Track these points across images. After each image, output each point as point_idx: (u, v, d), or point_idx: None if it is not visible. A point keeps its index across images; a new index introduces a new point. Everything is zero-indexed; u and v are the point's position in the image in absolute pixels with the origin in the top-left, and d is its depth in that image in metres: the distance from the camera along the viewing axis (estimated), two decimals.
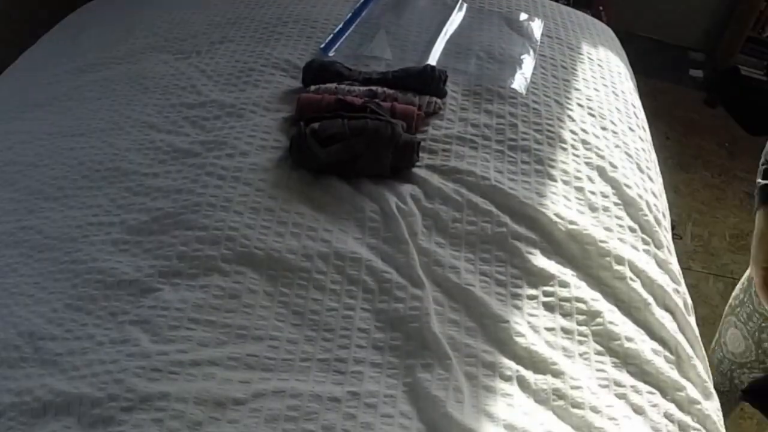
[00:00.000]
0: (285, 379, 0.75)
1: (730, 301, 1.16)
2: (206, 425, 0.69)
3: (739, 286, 1.13)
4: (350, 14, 1.40)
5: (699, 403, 0.80)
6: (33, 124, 1.15)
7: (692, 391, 0.81)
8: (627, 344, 0.83)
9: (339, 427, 0.70)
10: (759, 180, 0.96)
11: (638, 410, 0.77)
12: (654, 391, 0.79)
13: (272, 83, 1.19)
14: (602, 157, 1.12)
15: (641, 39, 2.82)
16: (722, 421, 0.82)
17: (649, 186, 1.11)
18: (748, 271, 1.08)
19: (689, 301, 0.98)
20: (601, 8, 2.33)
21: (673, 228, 1.12)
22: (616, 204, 1.04)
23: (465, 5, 1.48)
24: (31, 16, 1.72)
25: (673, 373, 0.82)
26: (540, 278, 0.90)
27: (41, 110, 1.19)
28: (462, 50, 1.33)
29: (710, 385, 0.85)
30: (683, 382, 0.82)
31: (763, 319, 1.04)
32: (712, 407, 0.82)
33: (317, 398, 0.73)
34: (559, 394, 0.77)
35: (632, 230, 1.00)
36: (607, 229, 0.98)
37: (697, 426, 0.78)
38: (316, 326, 0.82)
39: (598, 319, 0.86)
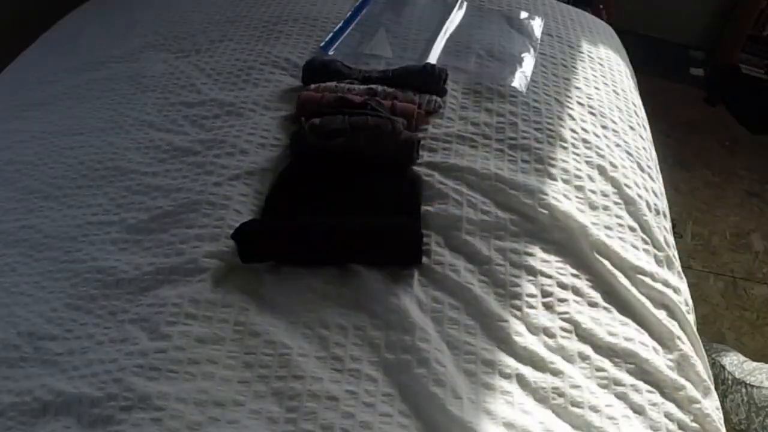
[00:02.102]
0: (283, 376, 0.75)
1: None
2: (206, 426, 0.69)
3: None
4: (350, 12, 1.40)
5: (699, 402, 0.80)
6: (32, 123, 1.15)
7: (692, 390, 0.81)
8: (626, 343, 0.83)
9: (337, 426, 0.70)
10: None
11: (638, 410, 0.77)
12: (653, 390, 0.79)
13: (272, 82, 1.19)
14: (602, 156, 1.11)
15: (641, 37, 2.81)
16: (722, 420, 0.82)
17: (649, 185, 1.11)
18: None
19: (689, 299, 0.98)
20: (601, 6, 2.33)
21: (673, 227, 1.12)
22: (616, 203, 1.04)
23: (465, 3, 1.48)
24: (30, 14, 1.72)
25: (673, 373, 0.82)
26: (539, 277, 0.90)
27: (40, 109, 1.19)
28: (462, 48, 1.33)
29: (710, 383, 0.85)
30: (683, 381, 0.82)
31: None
32: (712, 406, 0.82)
33: (315, 397, 0.73)
34: (558, 393, 0.77)
35: (632, 230, 1.00)
36: (607, 228, 0.98)
37: (697, 425, 0.78)
38: (313, 323, 0.81)
39: (598, 318, 0.86)
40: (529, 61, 1.30)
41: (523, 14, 1.48)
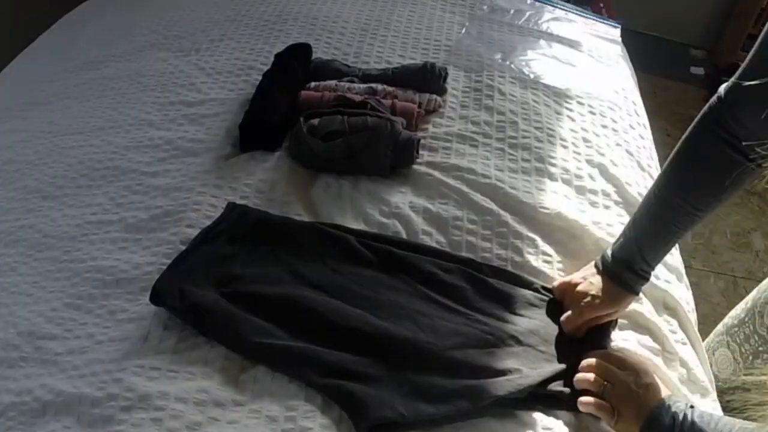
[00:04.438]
0: (282, 376, 0.75)
1: (726, 319, 1.07)
2: (205, 426, 0.69)
3: (741, 305, 1.04)
4: None
5: (697, 402, 0.80)
6: (32, 122, 1.15)
7: (692, 391, 0.81)
8: (626, 343, 0.83)
9: (337, 425, 0.70)
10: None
11: None
12: None
13: None
14: (603, 155, 1.11)
15: (642, 36, 2.81)
16: None
17: (650, 184, 1.11)
18: (754, 292, 1.01)
19: (690, 299, 0.98)
20: (601, 5, 2.33)
21: None
22: (616, 202, 1.03)
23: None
24: (30, 14, 1.72)
25: (673, 373, 0.82)
26: (540, 278, 0.89)
27: (40, 109, 1.18)
28: (462, 47, 1.32)
29: (708, 385, 0.85)
30: (683, 381, 0.81)
31: (762, 342, 0.96)
32: (711, 407, 0.82)
33: (314, 396, 0.73)
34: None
35: None
36: (608, 226, 0.98)
37: None
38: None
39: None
40: (530, 60, 1.29)
41: (525, 13, 1.47)
